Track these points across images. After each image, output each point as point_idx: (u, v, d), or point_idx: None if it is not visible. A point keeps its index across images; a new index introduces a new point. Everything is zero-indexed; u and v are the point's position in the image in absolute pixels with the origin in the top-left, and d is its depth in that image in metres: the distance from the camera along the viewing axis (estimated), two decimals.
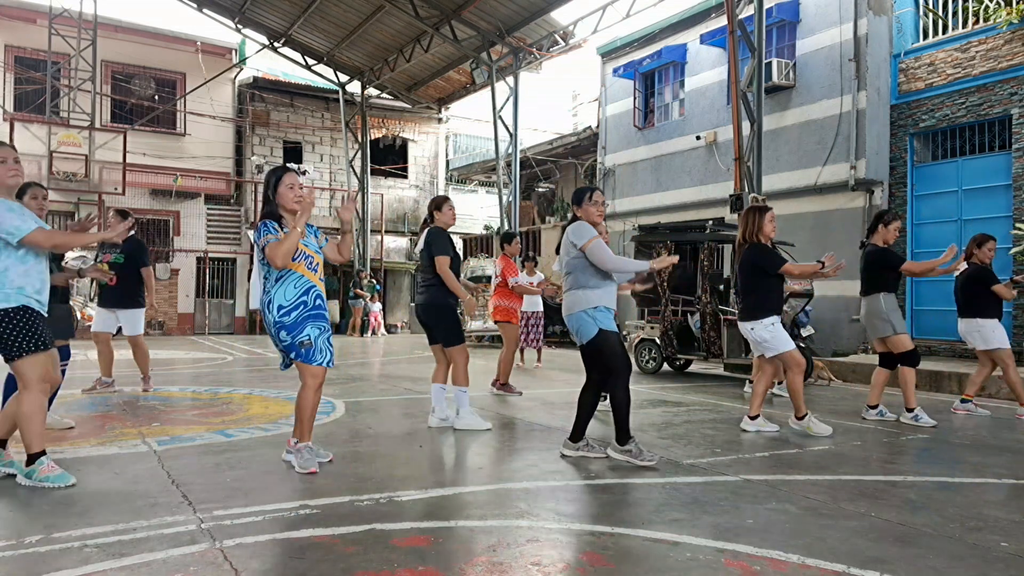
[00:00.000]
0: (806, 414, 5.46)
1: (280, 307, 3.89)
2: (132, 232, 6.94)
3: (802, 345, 9.02)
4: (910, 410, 5.93)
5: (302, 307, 3.93)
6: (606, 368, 4.31)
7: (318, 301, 4.01)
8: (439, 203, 5.56)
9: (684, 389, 8.37)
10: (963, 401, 6.67)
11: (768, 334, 5.37)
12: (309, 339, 3.93)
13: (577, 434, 4.46)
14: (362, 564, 2.64)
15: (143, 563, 2.62)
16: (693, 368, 10.62)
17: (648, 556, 2.77)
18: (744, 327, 5.50)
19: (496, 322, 7.95)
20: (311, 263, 4.02)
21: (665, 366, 10.26)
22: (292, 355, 3.97)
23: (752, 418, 5.53)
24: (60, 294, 4.99)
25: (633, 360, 10.35)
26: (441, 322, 5.46)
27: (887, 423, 5.97)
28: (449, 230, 5.61)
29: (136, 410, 6.15)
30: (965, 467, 4.47)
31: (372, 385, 8.32)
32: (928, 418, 5.88)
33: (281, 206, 3.98)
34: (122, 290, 7.07)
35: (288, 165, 4.32)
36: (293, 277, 3.93)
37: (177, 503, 3.37)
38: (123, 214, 6.81)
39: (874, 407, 6.18)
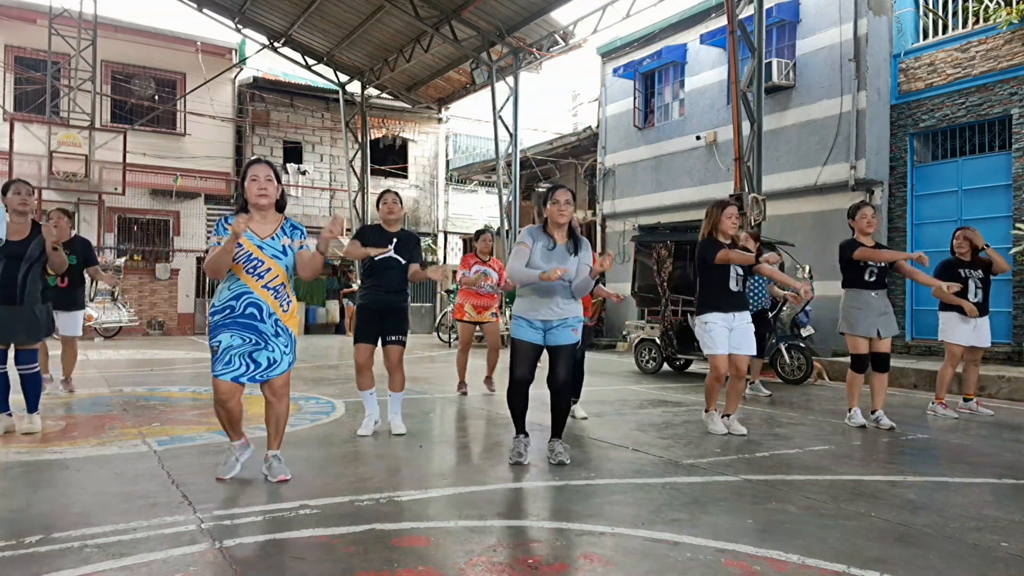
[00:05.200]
0: (708, 412, 5.48)
1: (212, 307, 3.70)
2: (75, 231, 6.93)
3: (802, 345, 9.04)
4: (849, 409, 5.89)
5: (228, 311, 3.64)
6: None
7: (250, 310, 3.63)
8: (377, 199, 5.36)
9: (684, 389, 8.37)
10: (965, 400, 6.66)
11: (701, 331, 5.32)
12: (217, 345, 3.62)
13: (515, 429, 4.44)
14: (362, 564, 2.64)
15: (143, 563, 2.62)
16: (693, 368, 10.62)
17: (648, 556, 2.77)
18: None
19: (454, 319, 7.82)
20: (257, 268, 3.65)
21: (665, 366, 10.26)
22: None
23: (706, 411, 5.53)
24: (24, 295, 4.88)
25: (633, 360, 10.42)
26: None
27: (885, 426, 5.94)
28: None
29: (136, 410, 6.15)
30: (965, 467, 4.47)
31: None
32: (860, 418, 5.78)
33: (248, 200, 3.72)
34: (70, 293, 6.83)
35: (258, 157, 3.95)
36: (230, 279, 3.67)
37: (177, 503, 3.37)
38: (68, 213, 6.80)
39: (872, 412, 5.86)
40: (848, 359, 6.03)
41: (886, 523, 3.22)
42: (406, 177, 23.51)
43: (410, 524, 3.11)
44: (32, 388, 5.11)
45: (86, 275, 7.06)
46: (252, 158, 3.91)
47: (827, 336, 11.58)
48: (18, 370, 5.02)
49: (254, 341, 3.64)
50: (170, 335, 19.19)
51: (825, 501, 3.57)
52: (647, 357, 10.19)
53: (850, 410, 5.89)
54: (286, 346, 3.74)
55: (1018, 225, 10.01)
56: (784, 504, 3.50)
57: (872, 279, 5.74)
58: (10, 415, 5.11)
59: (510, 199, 17.54)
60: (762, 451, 4.79)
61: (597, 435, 5.29)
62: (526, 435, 4.43)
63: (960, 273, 6.45)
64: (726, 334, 5.24)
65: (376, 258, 5.04)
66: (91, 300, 15.95)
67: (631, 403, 7.10)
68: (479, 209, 24.21)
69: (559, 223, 4.34)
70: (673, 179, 15.43)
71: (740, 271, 5.34)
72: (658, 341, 9.95)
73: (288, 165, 21.64)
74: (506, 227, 17.46)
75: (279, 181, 3.79)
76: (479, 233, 7.75)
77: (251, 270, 3.65)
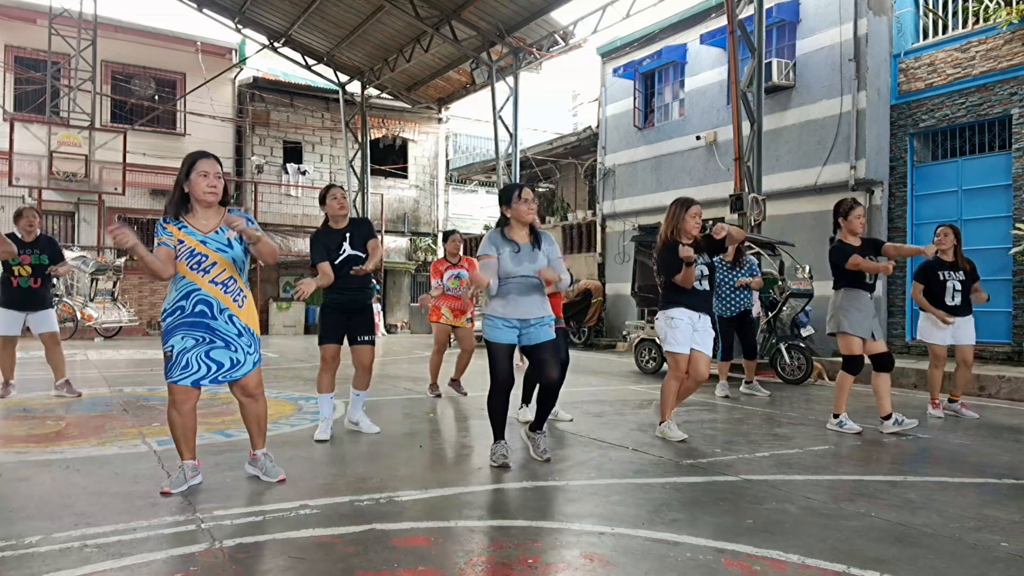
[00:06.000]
0: (665, 421, 5.15)
1: (163, 310, 3.57)
2: (40, 231, 6.89)
3: (802, 345, 9.04)
4: (836, 416, 5.58)
5: (178, 312, 3.51)
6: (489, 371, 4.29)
7: (200, 307, 3.51)
8: (323, 196, 5.13)
9: None
10: (951, 401, 6.54)
11: (665, 327, 5.07)
12: (170, 350, 3.50)
13: (494, 436, 4.36)
14: (362, 564, 2.64)
15: (143, 563, 2.62)
16: None
17: (648, 556, 2.77)
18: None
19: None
20: (203, 263, 3.52)
21: (665, 366, 10.25)
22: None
23: (662, 421, 5.21)
24: None
25: (633, 360, 10.42)
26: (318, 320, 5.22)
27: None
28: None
29: (136, 410, 6.15)
30: (965, 467, 4.47)
31: (372, 385, 8.28)
32: (853, 424, 5.50)
33: (193, 196, 3.54)
34: (42, 292, 6.78)
35: (203, 151, 3.77)
36: (176, 279, 3.54)
37: (177, 503, 3.37)
38: (37, 211, 6.79)
39: (887, 417, 5.55)
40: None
41: (886, 523, 3.22)
42: (406, 177, 23.51)
43: (410, 524, 3.11)
44: None
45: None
46: (195, 151, 3.68)
47: (827, 336, 11.60)
48: None
49: (208, 340, 3.53)
50: None
51: (825, 501, 3.57)
52: (647, 357, 10.20)
53: (837, 415, 5.56)
54: (249, 345, 3.63)
55: (1018, 225, 10.02)
56: (784, 504, 3.50)
57: (871, 280, 5.63)
58: None
59: None
60: (762, 451, 4.79)
61: (597, 435, 5.28)
62: (505, 440, 4.34)
63: (939, 275, 6.27)
64: (690, 332, 5.02)
65: (336, 261, 4.89)
66: (91, 299, 15.95)
67: (631, 403, 7.10)
68: (479, 209, 24.22)
69: (526, 221, 4.28)
70: (673, 179, 15.43)
71: (705, 271, 5.08)
72: (658, 341, 9.95)
73: (288, 165, 21.65)
74: None
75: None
76: (447, 235, 7.66)
77: (195, 266, 3.52)
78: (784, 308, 9.09)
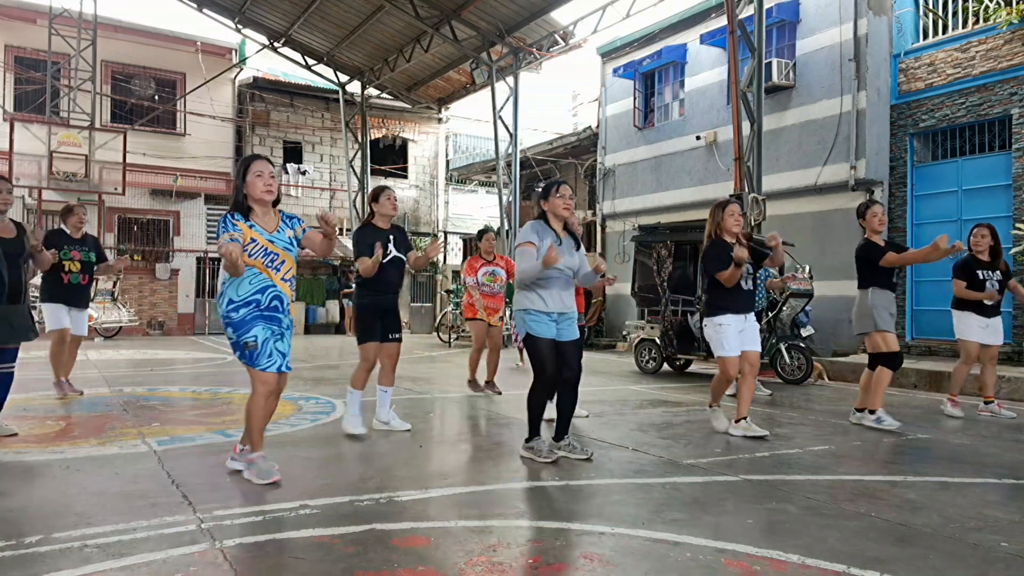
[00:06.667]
0: (715, 407, 5.51)
1: (230, 301, 3.69)
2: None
3: (802, 345, 9.04)
4: (872, 412, 5.66)
5: (253, 305, 3.69)
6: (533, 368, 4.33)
7: (274, 303, 3.74)
8: (375, 194, 5.27)
9: (684, 389, 8.37)
10: (986, 403, 6.58)
11: (713, 333, 5.25)
12: (255, 340, 3.67)
13: (532, 432, 4.41)
14: (362, 564, 2.64)
15: (143, 563, 2.62)
16: (693, 368, 10.62)
17: (648, 556, 2.77)
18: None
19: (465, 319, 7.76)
20: (275, 262, 3.74)
21: (665, 366, 10.26)
22: (238, 355, 3.75)
23: (710, 405, 5.54)
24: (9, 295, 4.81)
25: (633, 360, 10.41)
26: (356, 321, 5.34)
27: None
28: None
29: (136, 410, 6.15)
30: (965, 467, 4.47)
31: (372, 385, 8.30)
32: (891, 420, 5.61)
33: (250, 197, 3.74)
34: (87, 290, 6.91)
35: (257, 154, 4.04)
36: (250, 273, 3.70)
37: (177, 503, 3.37)
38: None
39: (872, 411, 5.70)
40: (847, 359, 6.00)
41: (886, 523, 3.22)
42: (406, 177, 23.51)
43: (410, 524, 3.11)
44: (7, 388, 4.99)
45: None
46: (251, 154, 3.93)
47: (827, 336, 11.60)
48: None
49: (277, 332, 3.77)
50: (170, 335, 19.19)
51: (825, 501, 3.57)
52: (647, 357, 10.20)
53: (874, 412, 5.65)
54: (290, 340, 3.88)
55: (1018, 225, 10.02)
56: (784, 504, 3.50)
57: (895, 280, 5.83)
58: None
59: (510, 199, 17.55)
60: (762, 451, 4.79)
61: (597, 435, 5.29)
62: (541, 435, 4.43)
63: (978, 275, 6.41)
64: (738, 335, 5.19)
65: (384, 260, 5.02)
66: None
67: (631, 403, 7.10)
68: (479, 209, 24.21)
69: (561, 216, 4.38)
70: (673, 179, 15.43)
71: (751, 269, 5.29)
72: (658, 341, 9.95)
73: (288, 165, 21.64)
74: (506, 227, 17.47)
75: None
76: (481, 233, 7.72)
77: (269, 264, 3.74)
78: (784, 308, 9.09)
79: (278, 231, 3.79)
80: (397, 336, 5.29)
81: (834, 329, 11.80)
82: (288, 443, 4.81)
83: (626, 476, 4.05)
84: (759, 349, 5.35)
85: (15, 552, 2.71)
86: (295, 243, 3.86)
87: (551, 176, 21.79)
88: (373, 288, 5.12)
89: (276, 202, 3.86)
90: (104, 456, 4.37)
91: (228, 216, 3.68)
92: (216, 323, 20.51)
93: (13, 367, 4.95)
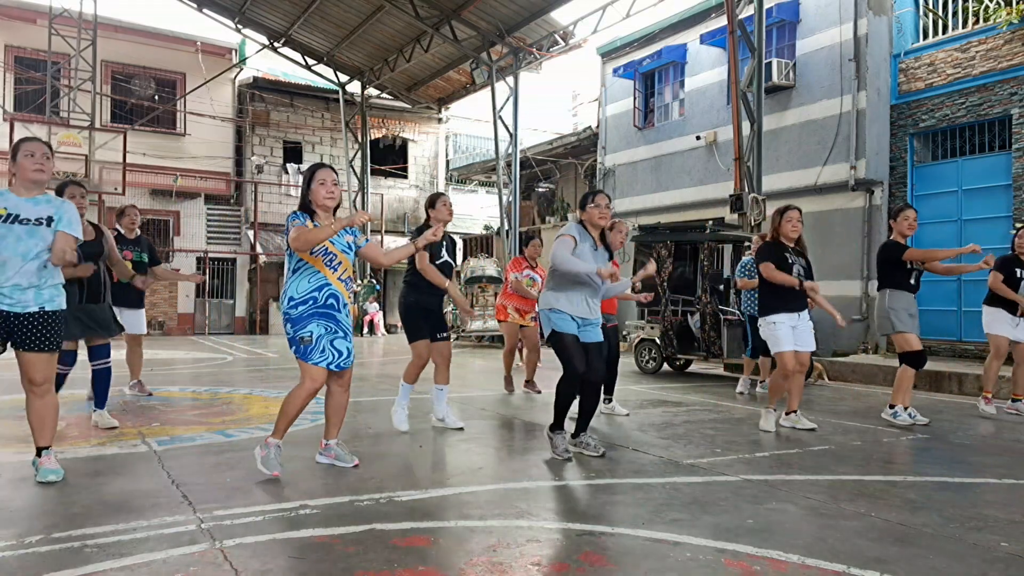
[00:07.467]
0: (771, 408, 5.59)
1: (291, 299, 3.87)
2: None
3: None
4: (892, 407, 5.88)
5: (311, 303, 3.86)
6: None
7: (331, 301, 3.90)
8: (432, 200, 5.46)
9: (684, 389, 8.37)
10: (1014, 401, 6.60)
11: (768, 331, 5.47)
12: (310, 335, 3.83)
13: (556, 423, 4.49)
14: (362, 564, 2.64)
15: (143, 563, 2.62)
16: (693, 368, 10.62)
17: (648, 556, 2.77)
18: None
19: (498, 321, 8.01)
20: (332, 262, 3.92)
21: (665, 366, 10.26)
22: (293, 350, 3.88)
23: (787, 414, 5.62)
24: (88, 293, 5.02)
25: (633, 360, 10.41)
26: (403, 320, 5.49)
27: (884, 423, 5.93)
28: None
29: (136, 410, 6.15)
30: (965, 467, 4.47)
31: (372, 385, 8.33)
32: (907, 416, 5.80)
33: (314, 202, 3.95)
34: (140, 291, 6.92)
35: (322, 163, 4.26)
36: (309, 271, 3.88)
37: (177, 503, 3.36)
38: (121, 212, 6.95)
39: (891, 406, 5.90)
40: (847, 359, 6.02)
41: (886, 523, 3.22)
42: (406, 177, 23.52)
43: (410, 524, 3.11)
44: (106, 383, 5.33)
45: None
46: (316, 163, 4.13)
47: (827, 336, 11.60)
48: (93, 366, 5.26)
49: (333, 330, 3.90)
50: (170, 335, 19.20)
51: (825, 501, 3.57)
52: (647, 357, 10.19)
53: (907, 408, 5.83)
54: (351, 340, 4.05)
55: (1018, 225, 10.01)
56: (784, 504, 3.50)
57: (916, 282, 5.88)
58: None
59: (510, 199, 17.54)
60: (762, 451, 4.79)
61: (597, 435, 5.28)
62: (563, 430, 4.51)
63: (1016, 272, 6.43)
64: (791, 332, 5.37)
65: (437, 262, 5.27)
66: None
67: (631, 403, 7.10)
68: (479, 209, 24.21)
69: (598, 225, 4.47)
70: (673, 179, 15.43)
71: (803, 270, 5.43)
72: (658, 341, 9.95)
73: (288, 165, 21.65)
74: (506, 227, 17.47)
75: None
76: (529, 239, 8.07)
77: (328, 263, 3.91)
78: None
79: (339, 235, 3.95)
80: (445, 335, 5.45)
81: (834, 329, 11.78)
82: (288, 443, 4.79)
83: (626, 476, 4.05)
84: (811, 348, 5.50)
85: (15, 552, 2.71)
86: (352, 248, 4.04)
87: (551, 176, 21.81)
88: (421, 288, 5.28)
89: (336, 207, 4.06)
90: (104, 456, 4.38)
91: (298, 213, 3.90)
92: (216, 323, 20.54)
93: (108, 362, 5.29)
